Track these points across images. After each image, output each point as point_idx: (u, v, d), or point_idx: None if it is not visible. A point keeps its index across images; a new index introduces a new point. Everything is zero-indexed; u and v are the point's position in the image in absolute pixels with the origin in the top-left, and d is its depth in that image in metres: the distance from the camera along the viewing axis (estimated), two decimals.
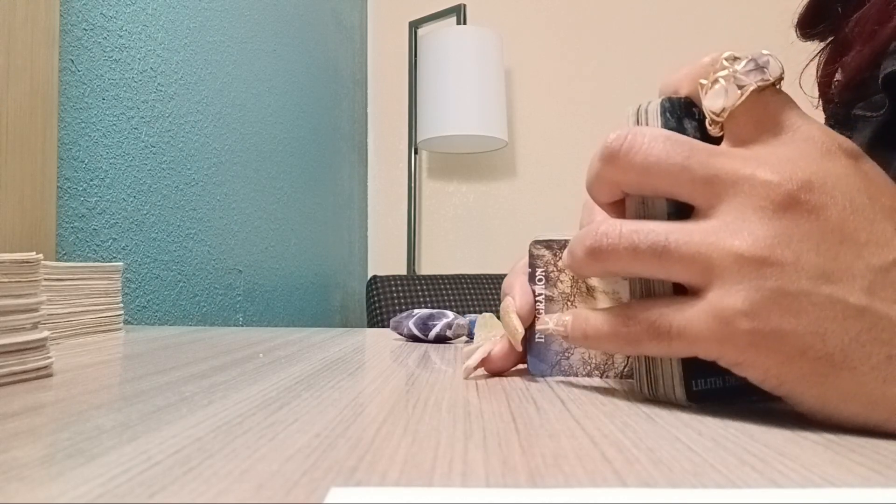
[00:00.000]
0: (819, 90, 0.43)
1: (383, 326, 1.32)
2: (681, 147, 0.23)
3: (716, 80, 0.23)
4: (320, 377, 0.31)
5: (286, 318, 1.21)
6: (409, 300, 1.37)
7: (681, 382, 0.24)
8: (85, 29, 0.68)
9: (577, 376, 0.32)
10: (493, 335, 0.49)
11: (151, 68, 0.79)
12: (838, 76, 0.40)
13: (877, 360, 0.20)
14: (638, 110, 0.26)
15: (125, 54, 0.74)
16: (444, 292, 1.42)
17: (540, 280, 0.32)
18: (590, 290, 0.31)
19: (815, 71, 0.43)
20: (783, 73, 0.23)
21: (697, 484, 0.15)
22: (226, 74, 0.99)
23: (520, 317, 0.31)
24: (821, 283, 0.20)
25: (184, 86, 0.87)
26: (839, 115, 0.40)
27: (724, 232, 0.21)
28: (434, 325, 0.49)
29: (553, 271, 0.32)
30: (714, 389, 0.25)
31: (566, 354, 0.32)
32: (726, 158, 0.22)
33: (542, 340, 0.32)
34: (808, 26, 0.42)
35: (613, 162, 0.24)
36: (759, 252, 0.21)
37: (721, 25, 1.76)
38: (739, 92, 0.22)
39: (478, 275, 1.52)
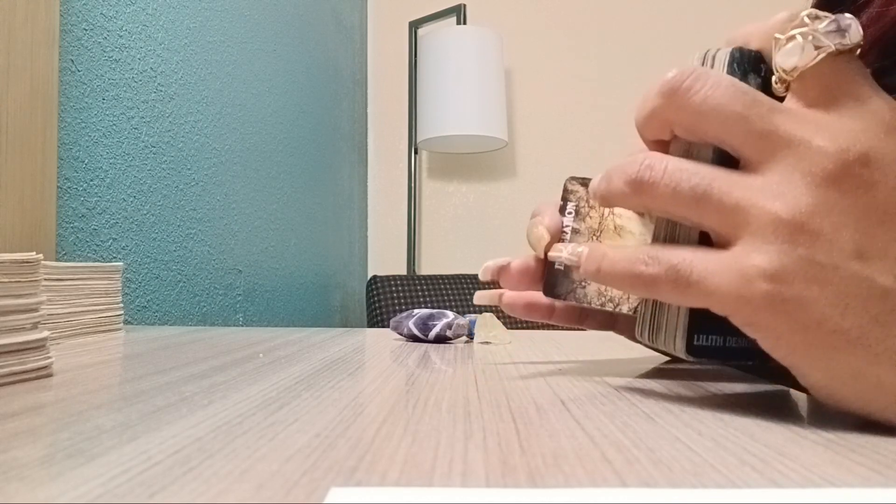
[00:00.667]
0: None
1: (383, 326, 1.32)
2: (743, 96, 0.22)
3: (792, 37, 0.22)
4: (320, 377, 0.31)
5: (286, 318, 1.21)
6: (409, 300, 1.37)
7: (683, 335, 0.24)
8: (85, 29, 0.68)
9: (590, 305, 0.31)
10: (493, 335, 0.49)
11: (151, 68, 0.79)
12: None
13: (892, 343, 0.20)
14: (705, 55, 0.25)
15: (125, 54, 0.74)
16: (444, 292, 1.42)
17: (570, 213, 0.32)
18: (617, 229, 0.31)
19: None
20: (863, 40, 0.21)
21: (697, 484, 0.15)
22: (226, 74, 0.99)
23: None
24: (851, 258, 0.20)
25: (184, 86, 0.87)
26: None
27: (767, 191, 0.21)
28: (434, 325, 0.49)
29: (584, 206, 0.32)
30: (714, 348, 0.24)
31: (583, 283, 0.31)
32: (786, 116, 0.22)
33: (562, 267, 0.31)
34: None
35: (671, 98, 0.23)
36: (798, 218, 0.20)
37: (721, 25, 1.76)
38: (816, 52, 0.21)
39: (478, 275, 1.52)
